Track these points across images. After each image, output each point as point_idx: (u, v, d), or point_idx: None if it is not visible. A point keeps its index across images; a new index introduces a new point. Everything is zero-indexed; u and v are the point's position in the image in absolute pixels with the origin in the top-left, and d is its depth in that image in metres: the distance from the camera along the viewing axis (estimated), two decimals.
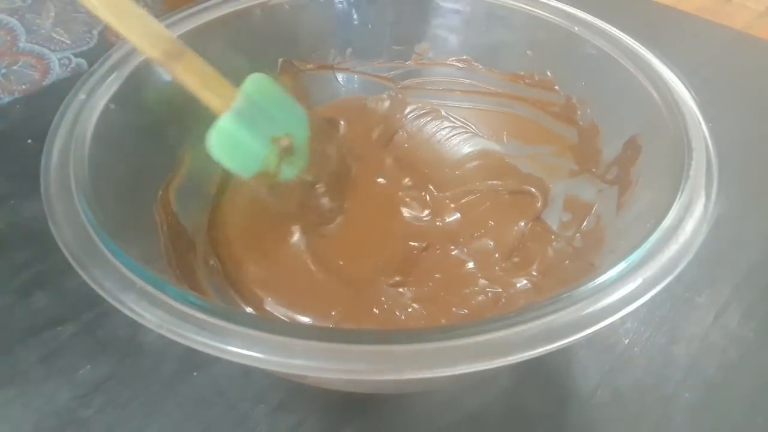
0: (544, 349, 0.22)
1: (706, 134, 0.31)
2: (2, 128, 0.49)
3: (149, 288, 0.24)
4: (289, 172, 0.35)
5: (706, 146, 0.30)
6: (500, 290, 0.37)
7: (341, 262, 0.38)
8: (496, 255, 0.39)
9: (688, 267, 0.25)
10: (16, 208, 0.42)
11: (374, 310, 0.35)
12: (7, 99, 0.51)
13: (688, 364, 0.35)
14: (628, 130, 0.36)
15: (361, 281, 0.36)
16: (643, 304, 0.23)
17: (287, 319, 0.34)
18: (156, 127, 0.37)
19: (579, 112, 0.40)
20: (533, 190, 0.42)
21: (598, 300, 0.23)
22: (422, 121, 0.47)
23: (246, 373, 0.33)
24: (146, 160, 0.35)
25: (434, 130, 0.46)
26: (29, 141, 0.47)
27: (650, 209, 0.30)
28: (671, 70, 0.35)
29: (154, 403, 0.32)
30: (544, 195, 0.41)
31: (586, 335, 0.22)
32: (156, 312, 0.23)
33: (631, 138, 0.36)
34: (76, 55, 0.53)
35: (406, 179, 0.42)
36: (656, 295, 0.24)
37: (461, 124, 0.46)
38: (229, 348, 0.22)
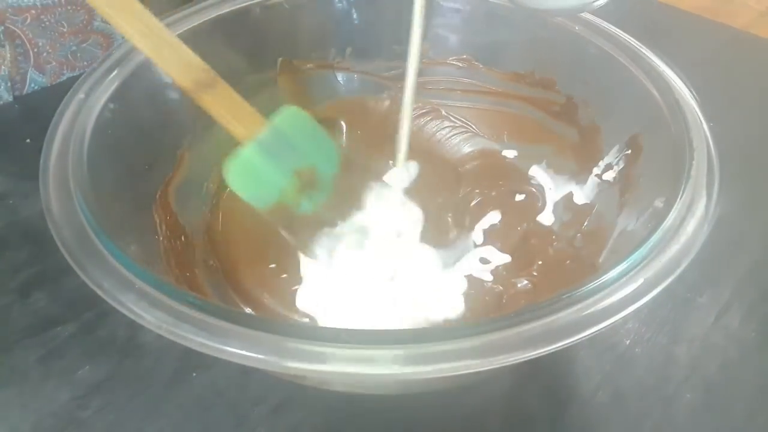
0: (545, 349, 0.22)
1: (707, 134, 0.31)
2: (2, 128, 0.49)
3: (148, 288, 0.24)
4: (308, 206, 0.34)
5: (707, 146, 0.30)
6: (501, 289, 0.36)
7: None
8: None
9: (690, 267, 0.25)
10: (15, 207, 0.42)
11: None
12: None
13: (689, 365, 0.35)
14: (628, 130, 0.36)
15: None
16: (645, 305, 0.23)
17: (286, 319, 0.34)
18: (155, 127, 0.37)
19: (580, 111, 0.40)
20: (534, 190, 0.42)
21: (599, 300, 0.23)
22: (422, 120, 0.47)
23: (245, 373, 0.33)
24: (145, 160, 0.35)
25: (434, 129, 0.46)
26: (28, 140, 0.46)
27: (651, 209, 0.30)
28: (672, 69, 0.35)
29: (154, 403, 0.32)
30: (545, 195, 0.41)
31: (587, 335, 0.22)
32: (155, 312, 0.23)
33: (632, 138, 0.36)
34: None
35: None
36: (657, 295, 0.24)
37: (461, 123, 0.46)
38: (229, 348, 0.22)
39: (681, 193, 0.28)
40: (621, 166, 0.37)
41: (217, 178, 0.41)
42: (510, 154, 0.45)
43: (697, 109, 0.32)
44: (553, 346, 0.22)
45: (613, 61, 0.37)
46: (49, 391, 0.32)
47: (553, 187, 0.42)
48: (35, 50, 0.50)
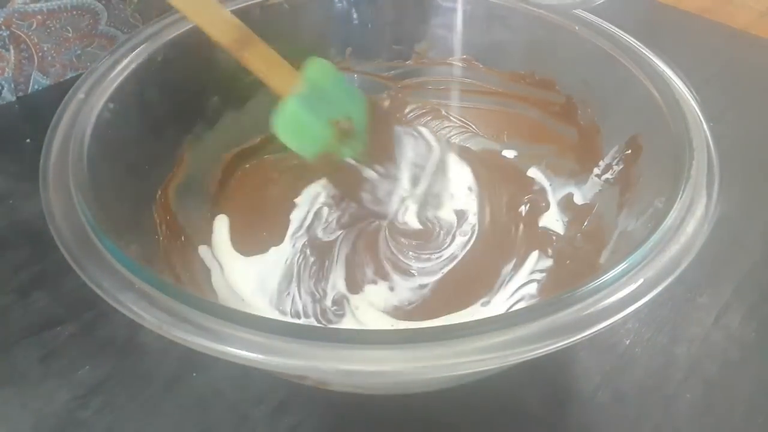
0: (545, 349, 0.22)
1: (707, 134, 0.31)
2: (2, 128, 0.49)
3: (148, 288, 0.24)
4: (347, 154, 0.36)
5: (707, 146, 0.30)
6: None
7: None
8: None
9: (690, 267, 0.25)
10: (14, 207, 0.42)
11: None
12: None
13: (689, 365, 0.35)
14: (628, 130, 0.36)
15: None
16: (645, 305, 0.23)
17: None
18: (155, 127, 0.37)
19: (579, 111, 0.40)
20: (534, 190, 0.42)
21: (599, 300, 0.23)
22: (422, 120, 0.47)
23: (245, 373, 0.33)
24: (145, 159, 0.35)
25: (434, 129, 0.46)
26: (28, 140, 0.46)
27: (651, 209, 0.30)
28: (672, 69, 0.35)
29: (154, 403, 0.32)
30: (545, 195, 0.41)
31: (587, 335, 0.22)
32: (155, 312, 0.23)
33: (632, 138, 0.36)
34: None
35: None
36: (657, 295, 0.24)
37: (461, 123, 0.46)
38: (229, 349, 0.22)
39: (681, 193, 0.28)
40: (621, 167, 0.37)
41: (217, 177, 0.41)
42: (510, 154, 0.45)
43: (697, 109, 0.32)
44: (553, 346, 0.22)
45: (613, 61, 0.37)
46: (49, 391, 0.32)
47: (552, 187, 0.42)
48: (40, 54, 0.50)
